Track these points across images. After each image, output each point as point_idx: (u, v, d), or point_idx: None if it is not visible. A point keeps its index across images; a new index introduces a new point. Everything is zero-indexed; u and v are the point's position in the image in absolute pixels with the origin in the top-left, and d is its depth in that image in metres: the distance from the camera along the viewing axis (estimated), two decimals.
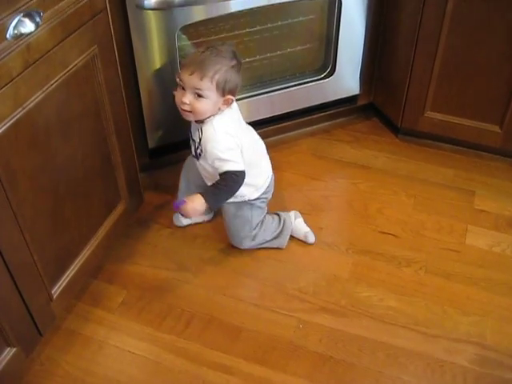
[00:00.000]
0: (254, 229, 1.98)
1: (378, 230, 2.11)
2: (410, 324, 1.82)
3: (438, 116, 2.28)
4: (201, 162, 1.86)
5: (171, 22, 1.89)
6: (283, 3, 2.00)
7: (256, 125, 2.20)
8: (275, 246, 2.05)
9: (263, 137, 2.08)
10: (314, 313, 1.85)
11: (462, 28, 2.04)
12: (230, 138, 1.78)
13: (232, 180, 1.78)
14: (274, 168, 2.08)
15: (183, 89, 1.74)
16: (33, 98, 1.37)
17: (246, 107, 2.22)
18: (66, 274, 1.68)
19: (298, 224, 2.08)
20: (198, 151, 1.83)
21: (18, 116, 1.33)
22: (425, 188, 2.27)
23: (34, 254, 1.50)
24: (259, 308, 1.87)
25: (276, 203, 2.18)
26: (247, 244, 2.01)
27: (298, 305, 1.88)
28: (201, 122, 1.79)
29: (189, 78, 1.70)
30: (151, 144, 2.16)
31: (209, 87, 1.70)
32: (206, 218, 2.15)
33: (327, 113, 2.49)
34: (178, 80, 1.75)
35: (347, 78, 2.36)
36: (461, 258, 2.01)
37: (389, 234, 2.10)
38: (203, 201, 1.75)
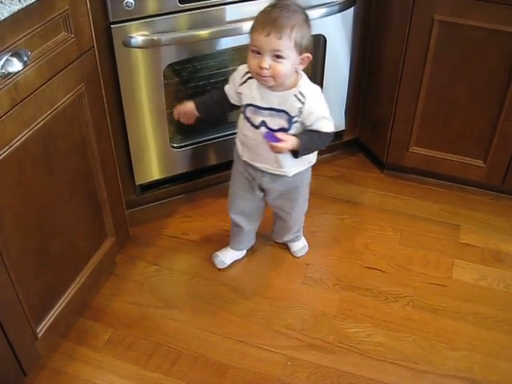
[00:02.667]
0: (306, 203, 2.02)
1: (364, 266, 2.11)
2: (399, 360, 1.81)
3: (423, 151, 2.31)
4: (291, 132, 1.69)
5: (158, 59, 1.91)
6: None
7: None
8: (295, 237, 2.13)
9: None
10: (302, 349, 1.84)
11: (444, 67, 2.09)
12: (324, 99, 1.73)
13: (328, 139, 1.76)
14: None
15: (258, 53, 1.58)
16: (19, 137, 1.38)
17: (230, 144, 2.23)
18: (52, 313, 1.67)
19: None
20: (295, 118, 1.67)
21: (5, 154, 1.34)
22: (411, 223, 2.28)
23: (19, 292, 1.48)
24: (246, 345, 1.85)
25: (263, 239, 2.19)
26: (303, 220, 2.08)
27: (286, 341, 1.86)
28: (279, 89, 1.66)
29: (266, 40, 1.55)
30: (138, 180, 2.16)
31: (288, 46, 1.56)
32: (242, 254, 2.14)
33: None
34: (251, 45, 1.60)
35: (332, 115, 2.35)
36: (448, 293, 2.01)
37: (376, 269, 2.10)
38: (297, 144, 1.67)
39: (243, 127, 1.78)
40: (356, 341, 1.86)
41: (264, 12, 1.59)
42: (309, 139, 1.71)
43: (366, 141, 2.54)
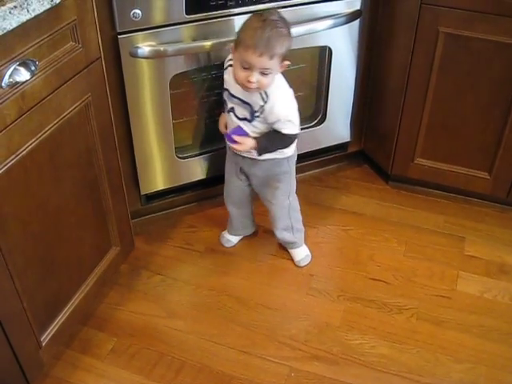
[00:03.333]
0: (290, 196, 2.06)
1: (369, 277, 2.11)
2: (403, 372, 1.80)
3: (428, 163, 2.31)
4: (254, 124, 1.83)
5: (164, 70, 1.92)
6: None
7: None
8: (297, 240, 2.15)
9: None
10: (306, 361, 1.84)
11: (450, 78, 2.09)
12: (294, 101, 1.84)
13: (289, 141, 1.87)
14: (263, 214, 2.12)
15: (245, 68, 1.70)
16: (26, 146, 1.38)
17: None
18: (56, 321, 1.67)
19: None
20: (257, 113, 1.80)
21: (11, 163, 1.35)
22: (416, 234, 2.28)
23: (23, 301, 1.49)
24: (250, 356, 1.85)
25: (266, 249, 2.20)
26: (290, 201, 2.07)
27: (290, 353, 1.86)
28: None
29: (258, 60, 1.66)
30: (143, 190, 2.17)
31: (276, 63, 1.69)
32: (250, 231, 2.25)
33: (318, 160, 2.51)
34: (240, 59, 1.70)
35: (338, 126, 2.39)
36: (452, 305, 2.00)
37: (380, 280, 2.10)
38: (255, 145, 1.83)
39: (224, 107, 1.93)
40: (360, 352, 1.86)
41: (254, 29, 1.66)
42: (267, 141, 1.84)
43: (371, 152, 2.55)
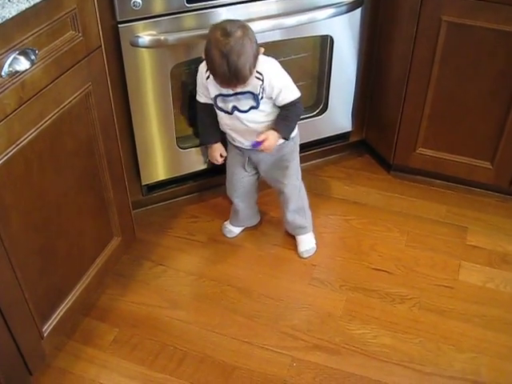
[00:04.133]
0: (299, 176, 2.10)
1: (371, 267, 2.11)
2: (405, 361, 1.80)
3: (430, 153, 2.30)
4: (261, 108, 1.86)
5: (165, 60, 1.91)
6: (276, 42, 2.03)
7: None
8: (308, 224, 2.16)
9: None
10: (308, 351, 1.84)
11: (452, 68, 2.08)
12: (281, 67, 1.88)
13: (298, 107, 1.90)
14: (266, 204, 2.11)
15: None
16: (26, 135, 1.38)
17: None
18: (58, 312, 1.67)
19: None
20: (260, 95, 1.83)
21: (12, 153, 1.34)
22: (418, 224, 2.27)
23: (25, 291, 1.49)
24: (252, 346, 1.85)
25: (269, 239, 2.20)
26: (299, 187, 2.11)
27: (292, 343, 1.86)
28: None
29: (235, 89, 1.78)
30: (144, 181, 2.16)
31: (251, 76, 1.76)
32: (255, 222, 2.26)
33: (320, 150, 2.50)
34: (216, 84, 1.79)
35: (339, 116, 2.38)
36: (455, 295, 2.00)
37: (382, 270, 2.10)
38: (277, 134, 1.88)
39: (220, 118, 1.94)
40: (362, 342, 1.86)
41: (219, 66, 1.69)
42: (284, 122, 1.89)
43: (372, 142, 2.54)
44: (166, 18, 1.83)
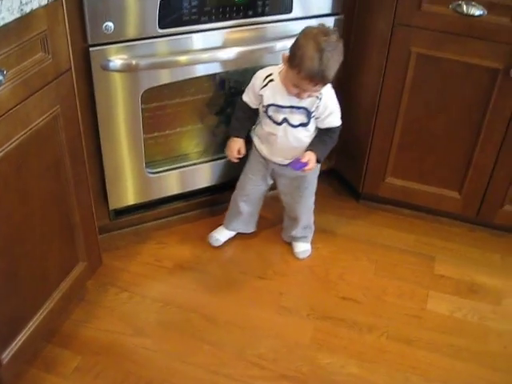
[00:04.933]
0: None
1: (339, 296, 2.10)
2: None
3: (399, 182, 2.32)
4: (309, 127, 1.92)
5: (136, 84, 1.89)
6: (248, 68, 2.03)
7: (217, 189, 2.20)
8: (310, 235, 2.25)
9: (222, 202, 2.22)
10: (275, 380, 1.81)
11: (421, 99, 2.11)
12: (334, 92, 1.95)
13: (337, 136, 1.98)
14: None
15: (297, 87, 1.80)
16: None
17: (207, 171, 2.22)
18: (18, 338, 1.62)
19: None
20: (314, 113, 1.89)
21: None
22: (386, 253, 2.27)
23: None
24: (218, 375, 1.82)
25: (236, 266, 2.18)
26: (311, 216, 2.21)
27: (259, 372, 1.83)
28: None
29: (313, 89, 1.79)
30: (112, 205, 2.13)
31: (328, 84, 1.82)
32: (251, 229, 2.29)
33: None
34: (293, 81, 1.79)
35: None
36: (422, 324, 2.00)
37: (350, 299, 2.09)
38: (315, 156, 1.93)
39: (265, 125, 1.97)
40: (329, 371, 1.84)
41: (311, 59, 1.71)
42: (322, 145, 1.96)
43: (342, 170, 2.55)
44: (137, 42, 1.82)
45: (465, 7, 1.87)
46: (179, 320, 1.99)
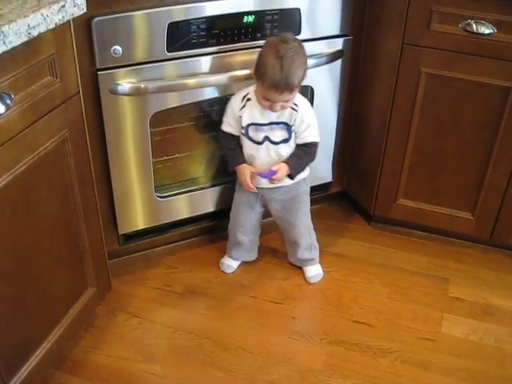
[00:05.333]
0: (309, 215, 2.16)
1: (352, 320, 2.07)
2: None
3: (411, 203, 2.29)
4: (290, 143, 1.92)
5: (144, 107, 1.89)
6: None
7: (227, 213, 2.19)
8: (316, 257, 2.22)
9: None
10: None
11: (432, 119, 2.09)
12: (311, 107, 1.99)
13: (314, 152, 1.98)
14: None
15: (268, 100, 1.81)
16: None
17: (216, 194, 2.21)
18: (27, 365, 1.60)
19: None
20: (293, 127, 1.89)
21: None
22: (399, 276, 2.24)
23: None
24: None
25: (247, 290, 2.16)
26: (312, 234, 2.18)
27: None
28: None
29: (280, 97, 1.78)
30: (121, 230, 2.12)
31: (296, 90, 1.81)
32: (253, 257, 2.27)
33: None
34: (262, 93, 1.80)
35: (320, 166, 2.36)
36: (437, 348, 1.96)
37: (363, 323, 2.05)
38: (288, 168, 1.92)
39: (246, 148, 1.96)
40: None
41: (272, 67, 1.74)
42: (297, 160, 1.94)
43: (353, 193, 2.53)
44: (146, 65, 1.83)
45: (474, 26, 1.86)
46: (190, 346, 1.96)
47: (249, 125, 1.90)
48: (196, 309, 2.09)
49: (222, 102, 2.10)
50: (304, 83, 2.08)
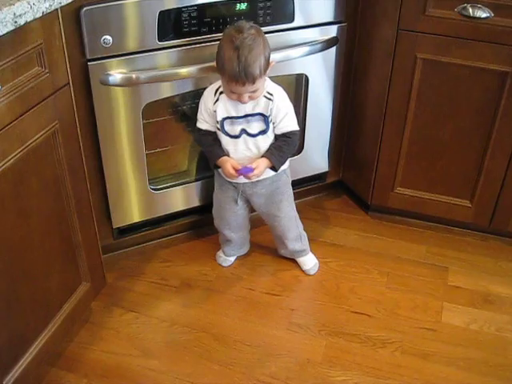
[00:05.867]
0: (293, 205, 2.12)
1: (351, 310, 2.04)
2: None
3: (408, 192, 2.27)
4: (269, 133, 1.88)
5: (136, 98, 1.86)
6: None
7: None
8: (306, 247, 2.19)
9: None
10: None
11: (428, 106, 2.06)
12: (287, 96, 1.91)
13: (295, 141, 1.93)
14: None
15: (234, 92, 1.77)
16: None
17: (211, 186, 2.18)
18: (21, 363, 1.57)
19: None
20: (270, 118, 1.85)
21: None
22: (397, 265, 2.22)
23: None
24: None
25: (245, 283, 2.13)
26: (299, 224, 2.15)
27: None
28: None
29: (243, 89, 1.73)
30: (115, 224, 2.09)
31: (260, 80, 1.74)
32: (246, 250, 2.25)
33: (296, 191, 2.42)
34: (227, 87, 1.77)
35: (316, 156, 2.34)
36: (438, 337, 1.94)
37: (362, 313, 2.03)
38: (268, 163, 1.88)
39: (223, 143, 1.90)
40: None
41: (230, 60, 1.69)
42: (278, 152, 1.89)
43: (350, 182, 2.50)
44: (137, 55, 1.80)
45: (470, 10, 1.83)
46: (187, 340, 1.93)
47: (224, 119, 1.85)
48: (192, 302, 2.06)
49: None
50: (299, 71, 2.07)
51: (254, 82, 1.72)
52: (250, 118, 1.84)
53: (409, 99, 2.06)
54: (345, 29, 2.08)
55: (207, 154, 1.97)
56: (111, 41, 1.72)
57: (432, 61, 1.96)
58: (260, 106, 1.83)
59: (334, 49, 2.09)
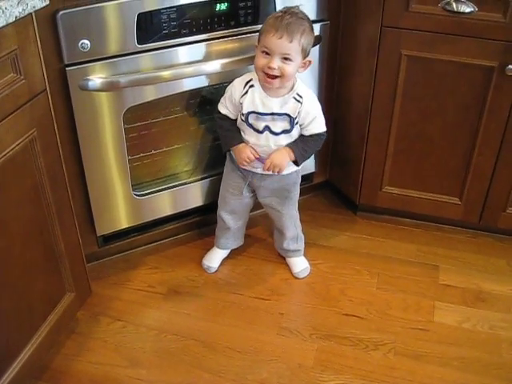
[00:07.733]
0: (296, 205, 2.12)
1: (341, 313, 2.02)
2: None
3: (396, 191, 2.25)
4: (292, 133, 1.86)
5: (117, 102, 1.82)
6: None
7: (209, 209, 2.14)
8: (301, 248, 2.18)
9: (214, 222, 2.14)
10: None
11: (414, 102, 2.05)
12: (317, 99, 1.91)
13: (321, 142, 1.92)
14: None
15: (267, 54, 1.74)
16: None
17: (198, 189, 2.15)
18: (4, 378, 1.53)
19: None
20: (297, 119, 1.83)
21: None
22: (388, 265, 2.20)
23: None
24: None
25: (233, 288, 2.10)
26: (298, 225, 2.14)
27: None
28: (280, 93, 1.82)
29: (278, 43, 1.70)
30: (99, 231, 2.05)
31: (296, 49, 1.73)
32: (240, 243, 2.22)
33: None
34: (261, 46, 1.75)
35: None
36: (430, 337, 1.92)
37: (353, 315, 2.01)
38: (292, 154, 1.87)
39: (246, 135, 1.89)
40: None
41: (275, 17, 1.72)
42: (303, 146, 1.89)
43: (337, 182, 2.48)
44: (117, 59, 1.76)
45: (454, 5, 1.82)
46: (176, 348, 1.90)
47: (249, 112, 1.84)
48: (181, 309, 2.03)
49: (197, 95, 2.05)
50: None
51: (291, 41, 1.70)
52: (276, 116, 1.83)
53: (394, 96, 2.04)
54: (328, 27, 2.06)
55: (223, 137, 1.95)
56: (89, 45, 1.68)
57: (417, 57, 1.94)
58: (288, 106, 1.82)
59: (317, 47, 2.06)
